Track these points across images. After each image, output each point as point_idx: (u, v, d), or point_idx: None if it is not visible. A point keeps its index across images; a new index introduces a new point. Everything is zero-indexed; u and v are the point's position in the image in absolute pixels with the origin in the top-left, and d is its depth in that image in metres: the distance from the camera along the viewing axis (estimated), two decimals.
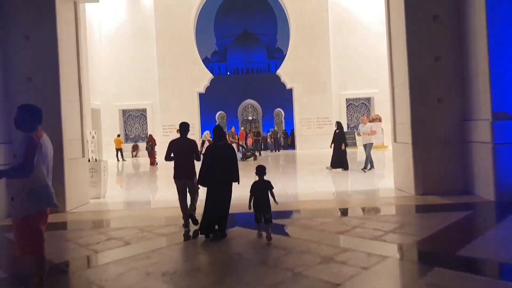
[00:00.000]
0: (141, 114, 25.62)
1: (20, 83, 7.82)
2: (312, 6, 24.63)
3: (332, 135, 13.31)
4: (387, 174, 13.25)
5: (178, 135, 6.55)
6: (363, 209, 7.25)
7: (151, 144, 19.03)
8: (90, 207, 8.17)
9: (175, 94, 24.54)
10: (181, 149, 5.96)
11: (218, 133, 5.62)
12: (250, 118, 54.68)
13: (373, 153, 13.62)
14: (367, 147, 12.48)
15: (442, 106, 8.20)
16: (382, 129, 23.37)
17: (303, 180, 11.24)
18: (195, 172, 6.01)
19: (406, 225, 5.78)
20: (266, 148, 27.12)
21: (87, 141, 20.11)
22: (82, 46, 8.85)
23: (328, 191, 9.91)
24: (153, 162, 18.21)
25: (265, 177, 5.49)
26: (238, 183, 5.53)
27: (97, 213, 7.71)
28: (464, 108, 8.18)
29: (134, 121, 25.78)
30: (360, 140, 13.85)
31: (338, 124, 13.20)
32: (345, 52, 25.02)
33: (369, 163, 12.43)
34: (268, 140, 26.26)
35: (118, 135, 22.83)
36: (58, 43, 7.89)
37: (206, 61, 68.11)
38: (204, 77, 24.70)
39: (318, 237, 5.23)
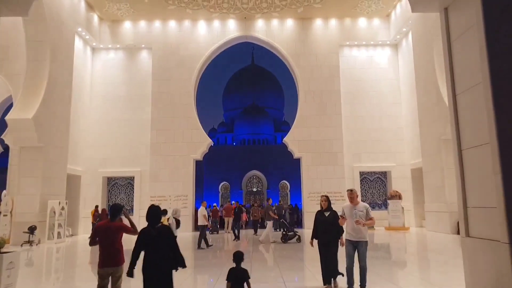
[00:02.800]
0: (128, 183, 22.24)
1: None
2: (322, 73, 22.25)
3: (314, 222, 7.17)
4: (416, 266, 9.90)
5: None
6: None
7: (99, 220, 15.94)
8: None
9: (168, 160, 21.37)
10: (106, 235, 5.22)
11: (153, 214, 4.91)
12: (254, 189, 52.73)
13: (393, 235, 10.01)
14: (362, 247, 6.51)
15: None
16: (403, 207, 19.63)
17: (317, 283, 7.44)
18: (122, 260, 5.30)
19: None
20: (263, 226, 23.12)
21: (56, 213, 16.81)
22: None
23: None
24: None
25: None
26: (184, 267, 4.90)
27: None
28: None
29: (119, 190, 22.34)
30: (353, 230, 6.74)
31: (326, 201, 7.07)
32: (359, 121, 22.17)
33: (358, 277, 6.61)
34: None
35: (96, 207, 19.22)
36: None
37: (212, 132, 67.56)
38: (202, 143, 21.65)
39: None
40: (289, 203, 36.63)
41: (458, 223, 15.84)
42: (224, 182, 50.99)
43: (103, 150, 21.86)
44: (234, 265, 5.02)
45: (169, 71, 22.14)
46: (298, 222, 23.92)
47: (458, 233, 15.75)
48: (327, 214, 6.96)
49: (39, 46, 16.75)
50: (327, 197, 7.13)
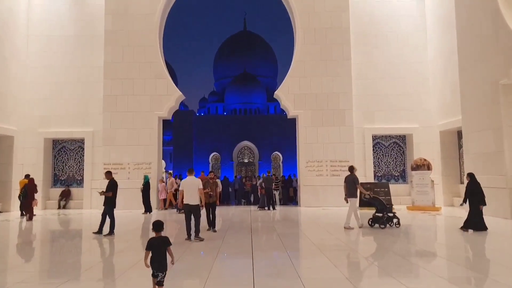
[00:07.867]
0: (79, 147, 16.67)
1: None
2: (326, 6, 16.37)
3: None
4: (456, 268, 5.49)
5: None
6: None
7: (25, 191, 12.34)
8: None
9: (127, 118, 15.71)
10: None
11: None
12: (246, 161, 48.35)
13: (418, 218, 7.31)
14: None
15: None
16: (432, 181, 14.25)
17: None
18: None
19: None
20: (256, 202, 17.77)
21: None
22: None
23: None
24: (30, 217, 12.19)
25: None
26: None
27: None
28: None
29: (68, 155, 16.76)
30: None
31: None
32: (372, 70, 16.55)
33: None
34: (259, 190, 16.79)
35: (27, 176, 13.65)
36: None
37: (203, 101, 62.06)
38: (169, 97, 15.93)
39: None
40: (282, 174, 31.26)
41: None
42: (215, 153, 47.33)
43: (44, 105, 16.18)
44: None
45: (127, 3, 16.14)
46: (293, 198, 18.59)
47: None
48: None
49: None
50: None
